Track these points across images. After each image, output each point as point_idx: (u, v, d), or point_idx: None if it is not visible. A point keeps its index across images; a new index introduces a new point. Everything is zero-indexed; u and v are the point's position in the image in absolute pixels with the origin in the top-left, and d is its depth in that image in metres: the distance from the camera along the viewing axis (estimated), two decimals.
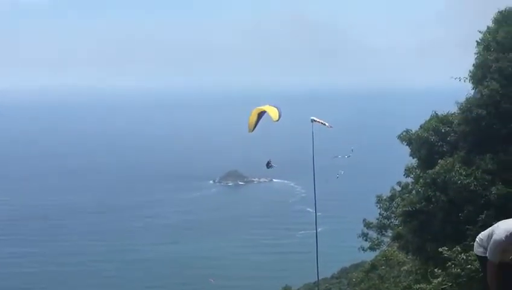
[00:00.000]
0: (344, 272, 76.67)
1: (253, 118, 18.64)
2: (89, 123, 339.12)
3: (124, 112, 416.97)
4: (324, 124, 19.28)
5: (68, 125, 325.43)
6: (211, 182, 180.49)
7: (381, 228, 31.28)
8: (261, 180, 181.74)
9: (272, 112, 17.90)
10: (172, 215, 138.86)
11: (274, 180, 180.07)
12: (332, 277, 77.76)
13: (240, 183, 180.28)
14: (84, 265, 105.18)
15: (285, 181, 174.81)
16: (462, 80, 24.54)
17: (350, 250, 68.14)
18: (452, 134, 23.75)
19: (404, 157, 26.55)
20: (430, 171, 22.77)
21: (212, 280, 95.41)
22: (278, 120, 17.92)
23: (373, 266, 35.92)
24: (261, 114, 18.42)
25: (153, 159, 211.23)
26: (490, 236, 8.91)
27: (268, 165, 19.94)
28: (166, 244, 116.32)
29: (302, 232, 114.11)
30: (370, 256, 38.49)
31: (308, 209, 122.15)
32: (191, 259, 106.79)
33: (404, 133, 25.78)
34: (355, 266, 67.50)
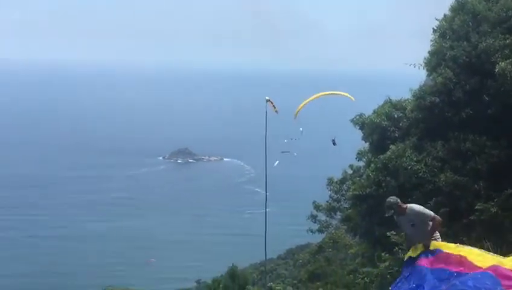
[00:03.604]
0: (290, 253, 77.32)
1: (303, 104, 19.19)
2: (39, 95, 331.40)
3: (76, 85, 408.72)
4: (274, 108, 19.51)
5: (15, 95, 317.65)
6: (160, 158, 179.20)
7: (330, 210, 31.43)
8: (211, 158, 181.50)
9: (346, 94, 19.27)
10: (118, 191, 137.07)
11: (224, 159, 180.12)
12: (278, 258, 78.33)
13: (190, 161, 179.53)
14: (20, 240, 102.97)
15: (236, 160, 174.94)
16: (417, 67, 24.66)
17: (297, 232, 68.80)
18: (405, 120, 23.87)
19: (357, 141, 26.63)
20: (381, 156, 22.85)
21: (152, 260, 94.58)
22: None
23: (320, 248, 36.19)
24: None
25: (104, 134, 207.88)
26: None
27: (334, 142, 21.30)
28: (110, 221, 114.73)
29: (250, 212, 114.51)
30: (316, 238, 38.73)
31: (257, 189, 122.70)
32: (135, 237, 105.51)
33: (357, 117, 25.81)
34: (302, 248, 68.16)
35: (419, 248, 10.16)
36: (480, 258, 9.27)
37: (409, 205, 10.40)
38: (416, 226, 10.21)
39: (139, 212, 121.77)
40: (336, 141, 21.68)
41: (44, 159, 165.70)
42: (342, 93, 19.81)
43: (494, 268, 8.85)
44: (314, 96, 19.55)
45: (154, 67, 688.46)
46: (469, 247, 9.91)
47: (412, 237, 10.34)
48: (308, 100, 19.55)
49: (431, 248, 9.90)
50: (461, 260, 9.31)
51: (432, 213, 10.32)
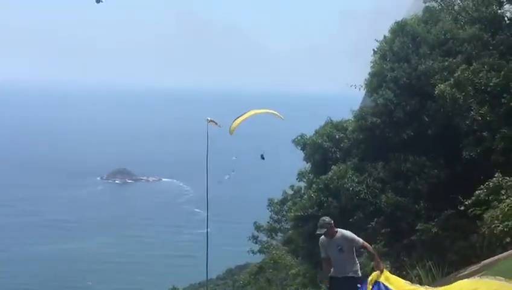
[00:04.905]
0: (229, 273, 76.64)
1: (239, 121, 18.99)
2: None
3: (16, 104, 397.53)
4: (216, 123, 19.42)
5: None
6: (98, 178, 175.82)
7: (271, 231, 31.24)
8: (150, 179, 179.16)
9: (276, 113, 19.55)
10: (56, 214, 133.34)
11: (163, 179, 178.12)
12: (217, 278, 77.50)
13: (128, 181, 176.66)
14: None
15: (174, 181, 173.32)
16: (358, 88, 24.80)
17: (238, 253, 68.34)
18: (346, 141, 23.96)
19: (298, 161, 26.56)
20: (323, 177, 22.81)
21: (89, 283, 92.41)
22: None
23: (260, 269, 35.87)
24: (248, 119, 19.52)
25: (40, 154, 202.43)
26: None
27: (262, 157, 22.19)
28: (48, 244, 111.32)
29: (189, 232, 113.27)
30: (256, 259, 38.42)
31: (196, 209, 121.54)
32: (71, 259, 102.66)
33: (298, 138, 25.77)
34: (241, 268, 67.70)
35: (374, 276, 10.15)
36: None
37: (340, 229, 10.51)
38: (344, 251, 10.33)
39: (78, 234, 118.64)
40: (264, 156, 21.96)
41: None
42: (273, 112, 19.93)
43: None
44: (247, 114, 19.47)
45: (93, 87, 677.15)
46: (417, 286, 10.12)
47: (337, 262, 10.39)
48: (242, 118, 19.43)
49: (383, 280, 9.97)
50: None
51: (361, 240, 10.47)
